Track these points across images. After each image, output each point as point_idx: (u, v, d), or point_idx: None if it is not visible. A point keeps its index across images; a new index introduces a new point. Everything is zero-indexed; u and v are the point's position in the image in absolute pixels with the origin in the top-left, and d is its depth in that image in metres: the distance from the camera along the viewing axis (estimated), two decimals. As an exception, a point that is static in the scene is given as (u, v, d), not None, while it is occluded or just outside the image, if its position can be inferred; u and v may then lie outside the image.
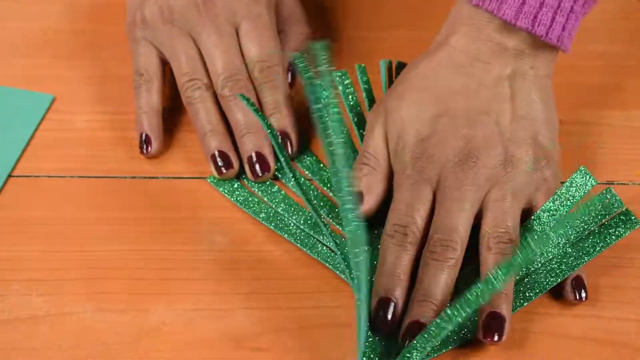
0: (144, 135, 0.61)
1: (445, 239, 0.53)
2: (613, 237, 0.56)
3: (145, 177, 0.61)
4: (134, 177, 0.61)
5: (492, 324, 0.51)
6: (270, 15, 0.62)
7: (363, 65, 0.64)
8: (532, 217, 0.56)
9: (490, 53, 0.57)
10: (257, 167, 0.58)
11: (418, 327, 0.51)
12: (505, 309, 0.51)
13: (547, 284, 0.54)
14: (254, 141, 0.59)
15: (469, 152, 0.55)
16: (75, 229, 0.58)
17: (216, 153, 0.59)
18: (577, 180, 0.57)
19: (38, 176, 0.61)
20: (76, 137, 0.64)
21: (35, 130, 0.64)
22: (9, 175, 0.61)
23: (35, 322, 0.54)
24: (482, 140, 0.55)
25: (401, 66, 0.64)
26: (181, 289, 0.55)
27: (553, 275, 0.55)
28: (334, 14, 0.72)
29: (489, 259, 0.53)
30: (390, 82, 0.63)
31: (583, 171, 0.58)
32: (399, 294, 0.52)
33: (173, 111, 0.65)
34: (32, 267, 0.56)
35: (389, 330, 0.52)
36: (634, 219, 0.56)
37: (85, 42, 0.70)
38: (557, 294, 0.55)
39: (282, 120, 0.60)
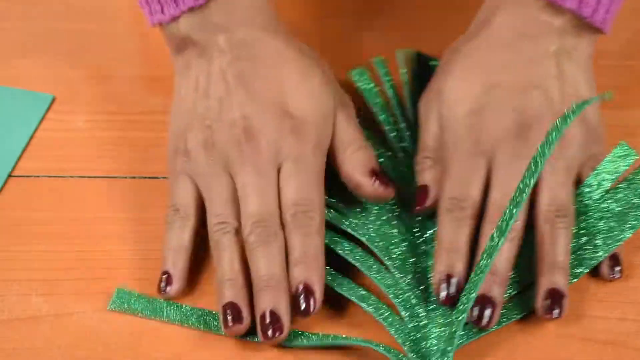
0: (166, 274, 0.55)
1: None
2: None
3: (145, 177, 0.61)
4: (133, 177, 0.61)
5: (552, 300, 0.52)
6: (316, 157, 0.55)
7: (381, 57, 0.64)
8: (579, 191, 0.56)
9: (537, 29, 0.57)
10: (270, 327, 0.51)
11: (487, 301, 0.51)
12: (562, 284, 0.52)
13: (593, 259, 0.55)
14: (270, 297, 0.52)
15: (522, 123, 0.55)
16: (75, 229, 0.58)
17: (228, 304, 0.52)
18: (618, 154, 0.57)
19: (38, 176, 0.61)
20: (76, 137, 0.64)
21: (35, 130, 0.64)
22: (9, 175, 0.61)
23: (35, 322, 0.54)
24: (535, 112, 0.55)
25: (420, 58, 0.64)
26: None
27: (599, 250, 0.55)
28: (332, 16, 0.72)
29: (547, 232, 0.54)
30: (412, 72, 0.64)
31: (624, 145, 0.58)
32: (460, 269, 0.53)
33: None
34: (32, 267, 0.56)
35: (451, 305, 0.52)
36: None
37: (85, 42, 0.70)
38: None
39: (308, 272, 0.52)
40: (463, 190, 0.54)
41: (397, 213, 0.57)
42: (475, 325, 0.52)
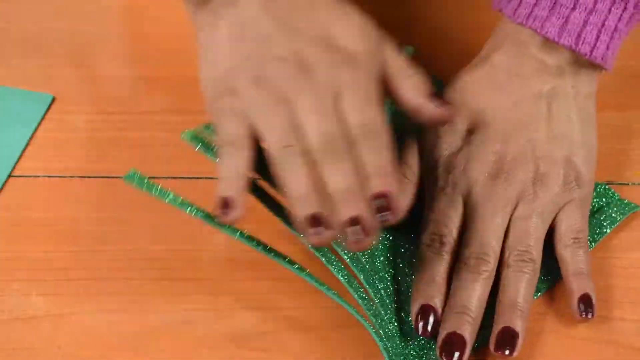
0: (225, 198, 0.52)
1: (479, 252, 0.53)
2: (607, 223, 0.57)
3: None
4: (134, 177, 0.61)
5: (506, 338, 0.51)
6: (372, 83, 0.54)
7: None
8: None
9: (531, 70, 0.57)
10: (357, 232, 0.50)
11: (457, 338, 0.51)
12: (519, 326, 0.52)
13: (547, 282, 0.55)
14: (353, 205, 0.50)
15: (500, 167, 0.55)
16: (75, 229, 0.58)
17: (311, 216, 0.50)
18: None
19: (38, 176, 0.61)
20: (76, 137, 0.64)
21: (35, 130, 0.64)
22: (9, 175, 0.61)
23: (35, 322, 0.54)
24: (513, 156, 0.55)
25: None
26: (181, 289, 0.55)
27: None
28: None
29: (507, 275, 0.53)
30: None
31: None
32: (438, 301, 0.53)
33: (173, 112, 0.65)
34: (32, 267, 0.56)
35: (429, 336, 0.52)
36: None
37: (85, 42, 0.70)
38: (557, 294, 0.55)
39: (384, 182, 0.51)
40: (441, 227, 0.55)
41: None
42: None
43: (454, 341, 0.51)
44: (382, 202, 0.50)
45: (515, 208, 0.55)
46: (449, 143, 0.57)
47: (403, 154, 0.58)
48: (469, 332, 0.51)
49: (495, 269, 0.53)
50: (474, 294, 0.52)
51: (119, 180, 0.60)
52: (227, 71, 0.55)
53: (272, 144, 0.53)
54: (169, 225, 0.58)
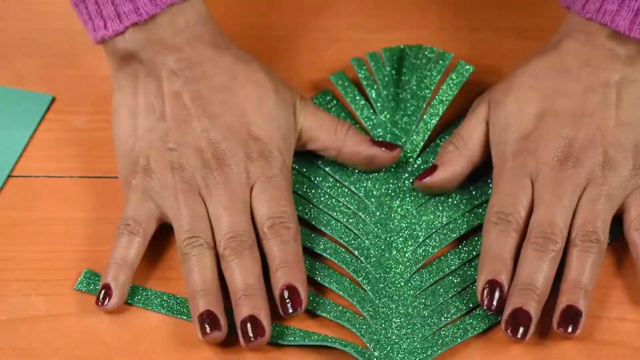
0: (106, 287, 0.54)
1: (547, 232, 0.54)
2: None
3: (145, 177, 0.61)
4: (134, 177, 0.61)
5: (570, 316, 0.52)
6: (284, 174, 0.57)
7: (340, 72, 0.65)
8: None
9: (601, 59, 0.58)
10: (251, 332, 0.52)
11: (522, 314, 0.52)
12: (583, 305, 0.52)
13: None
14: (249, 305, 0.52)
15: (569, 152, 0.56)
16: (75, 229, 0.58)
17: (204, 313, 0.52)
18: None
19: (38, 176, 0.61)
20: (76, 137, 0.64)
21: (35, 130, 0.64)
22: (9, 175, 0.61)
23: (35, 322, 0.54)
24: (582, 142, 0.56)
25: (396, 51, 0.65)
26: (181, 289, 0.55)
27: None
28: (330, 14, 0.72)
29: (573, 255, 0.54)
30: (393, 68, 0.64)
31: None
32: (505, 277, 0.53)
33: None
34: (32, 267, 0.56)
35: (495, 311, 0.53)
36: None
37: (85, 42, 0.70)
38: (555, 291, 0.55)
39: (290, 275, 0.54)
40: (509, 206, 0.55)
41: (365, 207, 0.59)
42: (510, 336, 0.52)
43: (520, 317, 0.52)
44: (285, 294, 0.53)
45: (583, 191, 0.56)
46: (518, 126, 0.58)
47: (465, 128, 0.60)
48: (534, 309, 0.52)
49: (562, 249, 0.54)
50: (541, 271, 0.53)
51: (118, 181, 0.60)
52: (145, 149, 0.57)
53: (179, 234, 0.55)
54: (167, 225, 0.58)
